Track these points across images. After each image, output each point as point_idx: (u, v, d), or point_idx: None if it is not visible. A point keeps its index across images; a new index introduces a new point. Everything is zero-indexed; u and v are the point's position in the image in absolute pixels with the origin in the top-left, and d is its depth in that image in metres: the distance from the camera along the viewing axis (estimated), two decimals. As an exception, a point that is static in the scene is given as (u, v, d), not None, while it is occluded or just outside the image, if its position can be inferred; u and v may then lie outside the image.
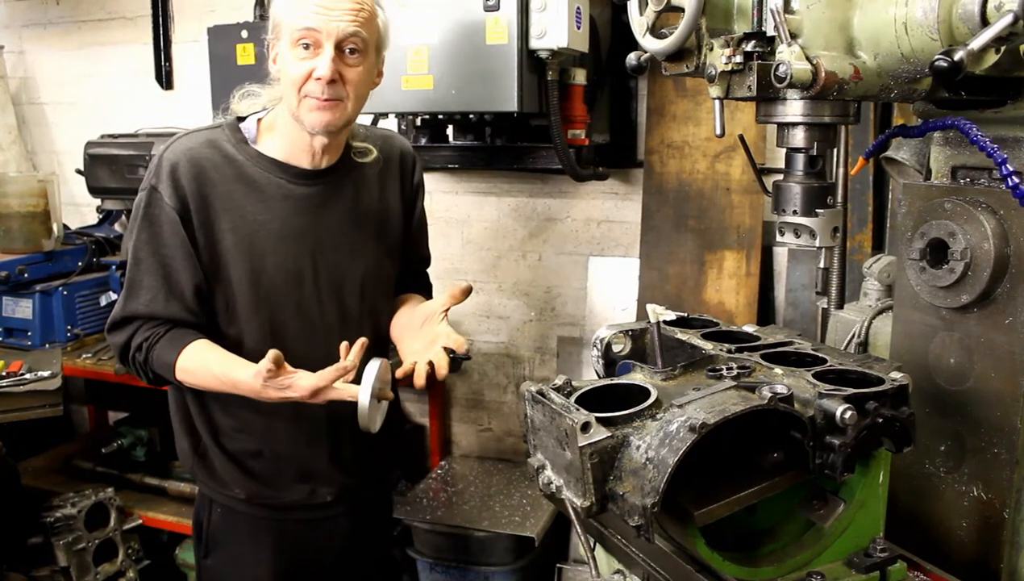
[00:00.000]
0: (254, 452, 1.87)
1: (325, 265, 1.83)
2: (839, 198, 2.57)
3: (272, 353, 1.59)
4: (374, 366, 1.63)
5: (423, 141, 2.98)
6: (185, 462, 1.95)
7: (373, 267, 1.92)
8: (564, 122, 2.67)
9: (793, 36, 1.21)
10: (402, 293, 2.05)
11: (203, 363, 1.72)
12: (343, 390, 1.62)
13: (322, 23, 1.64)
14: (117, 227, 3.76)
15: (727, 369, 1.26)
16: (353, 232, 1.87)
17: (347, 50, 1.69)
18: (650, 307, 1.53)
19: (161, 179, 1.73)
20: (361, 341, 1.64)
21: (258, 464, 1.87)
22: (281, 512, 1.91)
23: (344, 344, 1.65)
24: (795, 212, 1.36)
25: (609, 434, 1.09)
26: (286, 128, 1.79)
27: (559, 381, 1.22)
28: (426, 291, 2.14)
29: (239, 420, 1.85)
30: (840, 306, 2.41)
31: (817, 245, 1.36)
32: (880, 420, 1.17)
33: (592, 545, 1.42)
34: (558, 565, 2.98)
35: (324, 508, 1.94)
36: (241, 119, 1.84)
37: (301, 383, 1.61)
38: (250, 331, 1.80)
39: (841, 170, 2.54)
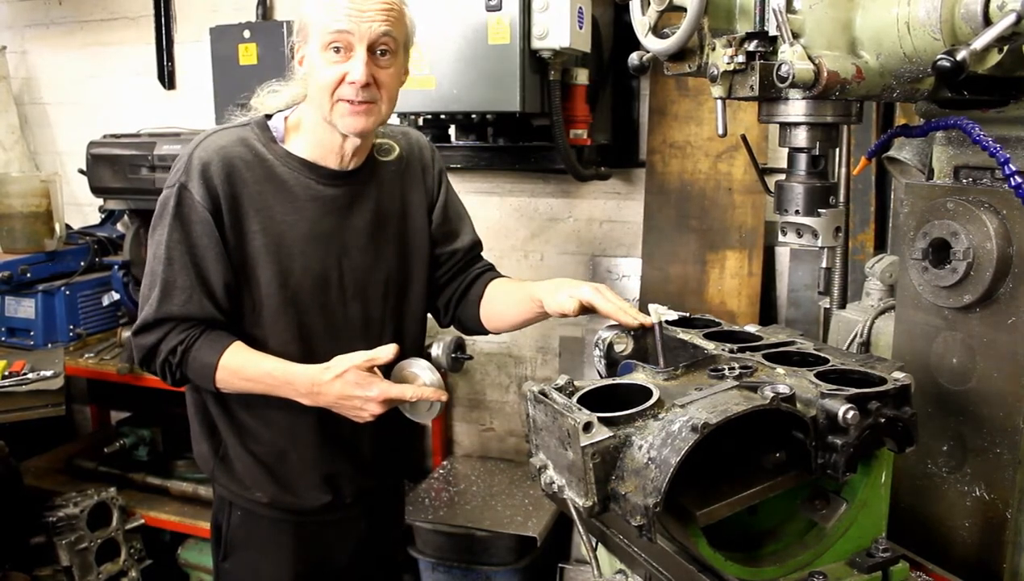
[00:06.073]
0: (279, 453, 1.85)
1: (350, 267, 1.82)
2: (841, 198, 2.57)
3: (393, 346, 1.67)
4: (424, 365, 1.75)
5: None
6: (204, 466, 1.92)
7: (395, 269, 1.90)
8: (566, 122, 2.67)
9: (795, 36, 1.21)
10: (476, 281, 2.00)
11: (250, 362, 1.71)
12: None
13: (354, 25, 1.62)
14: (119, 227, 3.76)
15: (729, 369, 1.25)
16: (377, 234, 1.85)
17: (379, 51, 1.66)
18: (652, 307, 1.53)
19: (192, 177, 1.69)
20: (394, 347, 1.70)
21: (283, 466, 1.86)
22: (302, 515, 1.90)
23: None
24: (797, 212, 1.36)
25: (611, 434, 1.09)
26: (313, 128, 1.77)
27: (561, 381, 1.22)
28: (495, 273, 2.06)
29: (265, 421, 1.83)
30: (842, 306, 2.41)
31: (819, 245, 1.36)
32: (882, 420, 1.17)
33: (594, 545, 1.42)
34: (560, 565, 2.98)
35: (344, 509, 1.93)
36: (268, 117, 1.82)
37: (384, 387, 1.65)
38: (276, 333, 1.77)
39: (843, 170, 2.55)
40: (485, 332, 2.00)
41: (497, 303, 1.94)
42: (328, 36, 1.64)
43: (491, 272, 2.03)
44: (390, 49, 1.68)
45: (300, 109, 1.81)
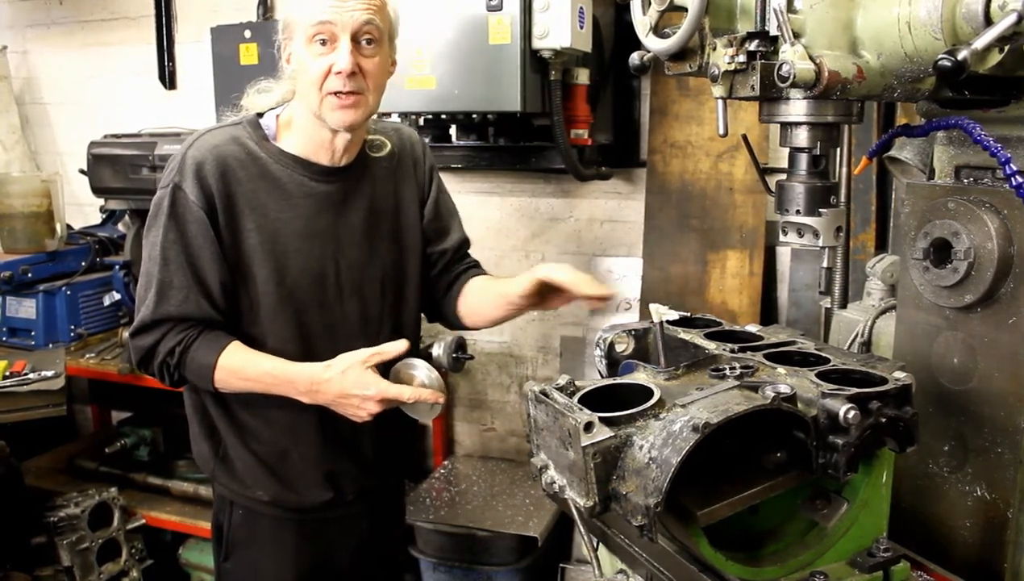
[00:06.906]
0: (280, 452, 1.85)
1: (346, 265, 1.82)
2: (842, 198, 2.57)
3: (403, 342, 1.69)
4: (423, 365, 1.73)
5: (426, 141, 2.98)
6: (205, 466, 1.92)
7: (391, 265, 1.90)
8: (567, 122, 2.66)
9: (796, 36, 1.21)
10: (458, 278, 2.01)
11: (248, 362, 1.71)
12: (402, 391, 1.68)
13: (336, 15, 1.63)
14: (120, 227, 3.77)
15: (730, 369, 1.25)
16: (371, 230, 1.86)
17: (363, 41, 1.67)
18: (653, 307, 1.53)
19: (186, 177, 1.69)
20: (404, 342, 1.70)
21: (284, 465, 1.86)
22: (303, 513, 1.90)
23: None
24: (798, 212, 1.36)
25: (612, 434, 1.09)
26: (304, 125, 1.77)
27: (562, 381, 1.22)
28: (479, 270, 2.08)
29: (265, 420, 1.83)
30: (843, 306, 2.41)
31: (820, 245, 1.36)
32: (883, 420, 1.17)
33: (595, 545, 1.42)
34: (561, 565, 2.98)
35: (345, 507, 1.93)
36: (260, 115, 1.82)
37: (383, 387, 1.65)
38: (274, 331, 1.78)
39: (844, 169, 2.54)
40: (464, 327, 2.03)
41: (473, 299, 1.97)
42: (312, 29, 1.65)
43: (475, 269, 2.05)
44: (374, 38, 1.69)
45: (291, 107, 1.82)
